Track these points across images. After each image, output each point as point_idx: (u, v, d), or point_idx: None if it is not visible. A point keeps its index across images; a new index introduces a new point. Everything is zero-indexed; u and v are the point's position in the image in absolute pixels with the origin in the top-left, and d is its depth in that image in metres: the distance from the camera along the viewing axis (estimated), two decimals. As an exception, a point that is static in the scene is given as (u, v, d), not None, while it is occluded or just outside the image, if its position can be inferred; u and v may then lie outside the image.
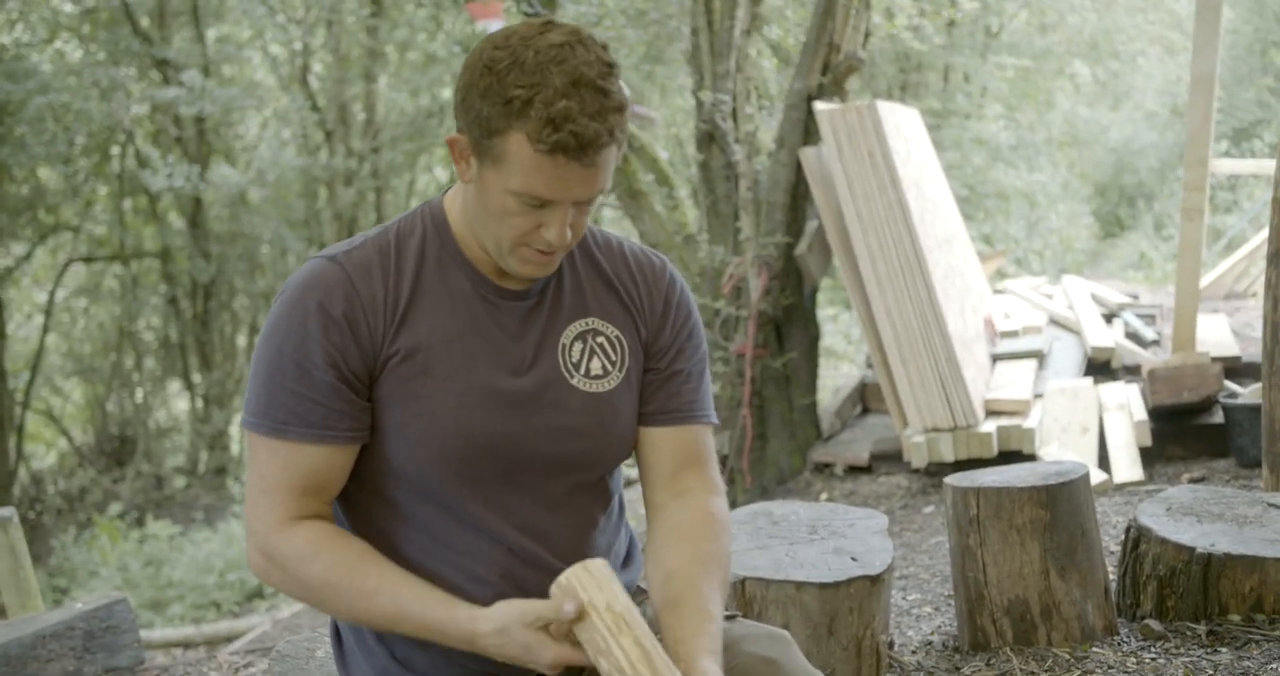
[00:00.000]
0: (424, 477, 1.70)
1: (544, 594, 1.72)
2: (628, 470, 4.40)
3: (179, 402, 16.94)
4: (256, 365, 1.69)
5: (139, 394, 16.23)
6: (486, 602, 1.71)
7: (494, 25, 7.48)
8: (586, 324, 1.79)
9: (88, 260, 16.13)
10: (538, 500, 1.75)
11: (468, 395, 1.70)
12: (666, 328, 1.84)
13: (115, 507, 12.74)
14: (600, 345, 1.79)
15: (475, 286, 1.75)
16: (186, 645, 7.32)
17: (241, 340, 16.73)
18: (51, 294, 15.75)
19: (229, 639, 7.20)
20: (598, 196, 1.65)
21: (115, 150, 15.36)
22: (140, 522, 12.39)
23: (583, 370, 1.77)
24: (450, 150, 1.68)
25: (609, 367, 1.79)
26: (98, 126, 14.05)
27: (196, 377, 15.77)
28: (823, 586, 2.94)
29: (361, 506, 1.77)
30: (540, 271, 1.71)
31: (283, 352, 1.66)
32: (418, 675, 1.78)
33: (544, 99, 1.54)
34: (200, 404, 15.65)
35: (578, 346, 1.78)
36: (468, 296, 1.74)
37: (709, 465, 1.87)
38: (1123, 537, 3.32)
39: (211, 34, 15.33)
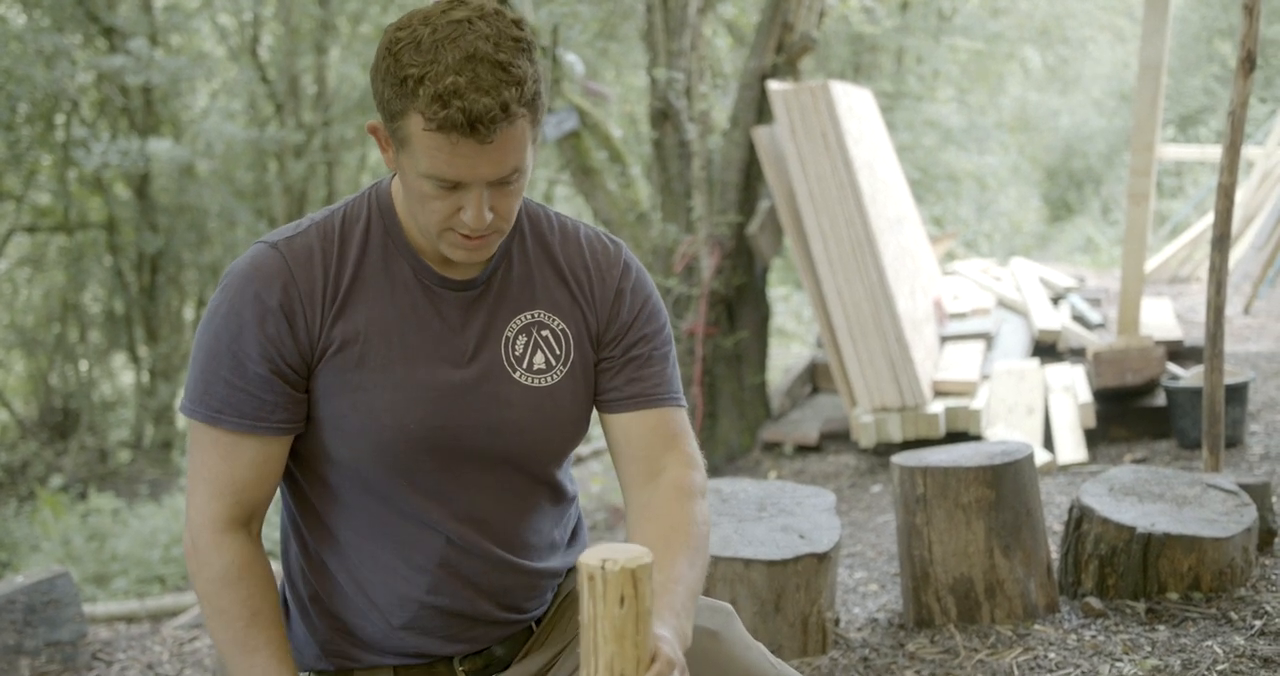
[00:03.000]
0: (361, 468, 1.70)
1: (481, 581, 1.75)
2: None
3: (124, 376, 16.72)
4: (196, 351, 1.69)
5: (83, 366, 16.02)
6: (425, 590, 1.74)
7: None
8: (532, 316, 1.76)
9: (31, 230, 15.85)
10: (478, 489, 1.74)
11: (404, 387, 1.68)
12: (619, 316, 1.81)
13: (58, 481, 12.58)
14: (545, 338, 1.76)
15: (417, 275, 1.72)
16: (130, 619, 7.25)
17: (189, 313, 16.53)
18: (-7, 264, 15.52)
19: (173, 613, 7.13)
20: (515, 176, 1.60)
21: (60, 119, 15.10)
22: (84, 496, 12.23)
23: (525, 364, 1.75)
24: (374, 138, 1.65)
25: (552, 362, 1.76)
26: (41, 94, 13.80)
27: (142, 351, 15.56)
28: (770, 563, 2.97)
29: (302, 487, 1.77)
30: (472, 256, 1.66)
31: (219, 341, 1.66)
32: (355, 646, 1.79)
33: (433, 76, 1.50)
34: (146, 377, 15.46)
35: (521, 340, 1.75)
36: (409, 285, 1.71)
37: (683, 442, 1.82)
38: (1066, 517, 3.37)
39: (159, 2, 15.07)
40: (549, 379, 1.76)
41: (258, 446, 1.68)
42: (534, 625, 1.87)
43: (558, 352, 1.77)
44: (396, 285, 1.71)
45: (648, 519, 1.74)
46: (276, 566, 1.87)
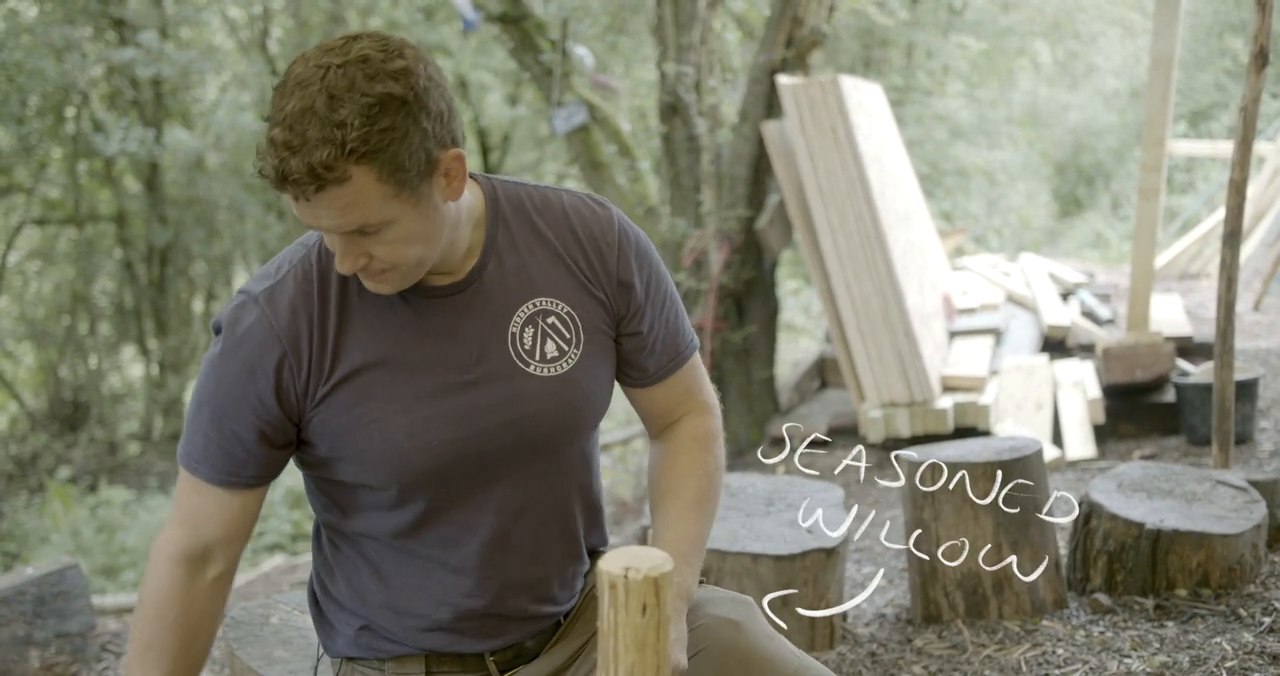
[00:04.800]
0: (388, 491, 1.68)
1: (516, 577, 1.75)
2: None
3: (133, 368, 16.75)
4: (191, 396, 1.71)
5: (93, 359, 16.04)
6: (464, 593, 1.73)
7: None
8: (535, 305, 1.71)
9: (41, 223, 15.87)
10: (514, 482, 1.72)
11: (417, 409, 1.65)
12: (633, 292, 1.77)
13: (67, 473, 12.61)
14: (552, 325, 1.72)
15: (401, 292, 1.66)
16: (139, 611, 7.28)
17: (198, 306, 16.56)
18: (3, 257, 15.52)
19: (182, 606, 7.16)
20: (371, 228, 1.51)
21: (70, 112, 15.12)
22: (93, 488, 12.27)
23: (538, 356, 1.71)
24: None
25: (564, 347, 1.72)
26: (52, 87, 13.81)
27: (152, 343, 15.58)
28: (778, 558, 2.97)
29: (332, 499, 1.76)
30: (380, 290, 1.61)
31: (202, 394, 1.67)
32: (385, 639, 1.79)
33: (270, 124, 1.46)
34: (155, 370, 15.48)
35: (529, 332, 1.71)
36: (394, 304, 1.66)
37: (697, 391, 1.91)
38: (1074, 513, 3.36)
39: (169, -5, 15.08)
40: (564, 365, 1.72)
41: (226, 498, 1.69)
42: (562, 618, 1.86)
43: (568, 337, 1.73)
44: (383, 308, 1.66)
45: (663, 470, 1.88)
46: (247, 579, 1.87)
